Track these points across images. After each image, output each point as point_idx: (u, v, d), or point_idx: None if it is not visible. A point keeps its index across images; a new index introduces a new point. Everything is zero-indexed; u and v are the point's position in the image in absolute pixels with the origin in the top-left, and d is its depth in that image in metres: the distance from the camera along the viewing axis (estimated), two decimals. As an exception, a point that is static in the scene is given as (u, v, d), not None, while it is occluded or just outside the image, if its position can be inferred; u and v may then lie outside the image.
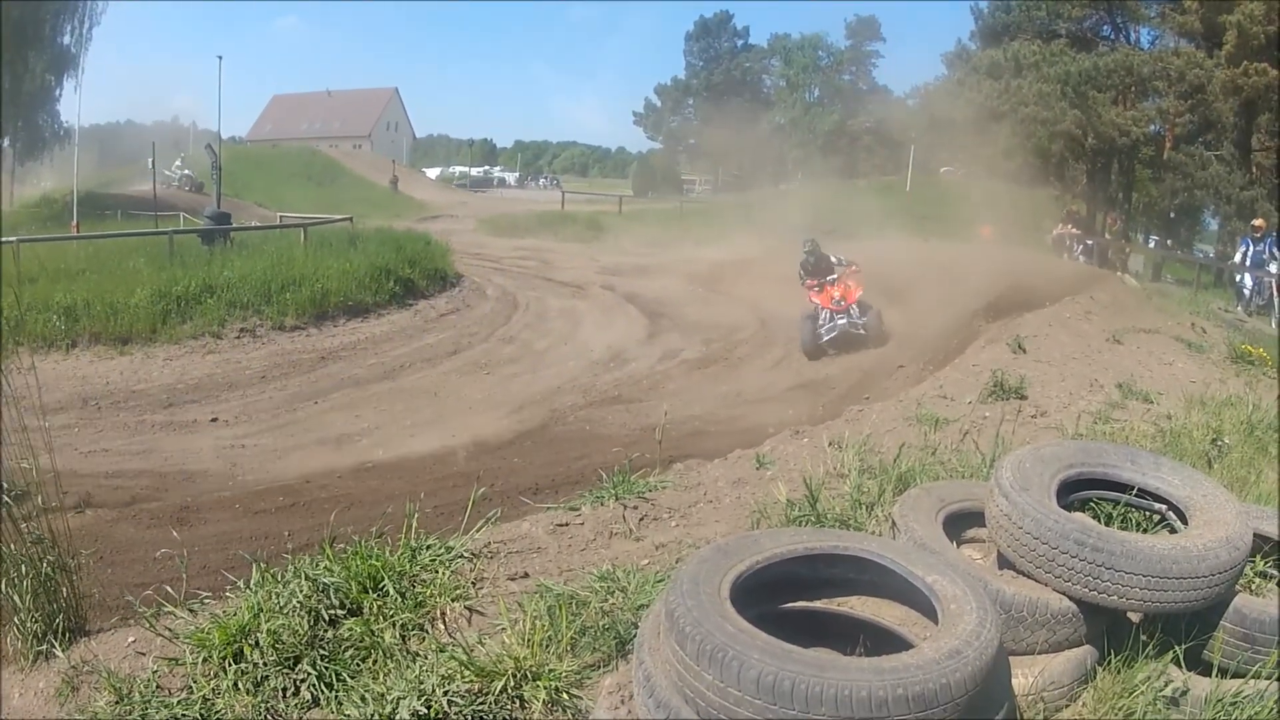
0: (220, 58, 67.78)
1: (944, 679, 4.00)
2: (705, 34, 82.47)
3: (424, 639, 5.81)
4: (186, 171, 49.74)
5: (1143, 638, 5.52)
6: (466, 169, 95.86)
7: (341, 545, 6.60)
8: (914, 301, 26.76)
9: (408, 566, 6.37)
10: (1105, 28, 52.94)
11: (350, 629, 5.79)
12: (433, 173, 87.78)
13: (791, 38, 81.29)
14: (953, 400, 13.64)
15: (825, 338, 24.44)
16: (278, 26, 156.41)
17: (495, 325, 27.36)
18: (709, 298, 31.78)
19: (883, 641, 4.91)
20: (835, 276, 25.52)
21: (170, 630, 6.12)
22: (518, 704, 5.20)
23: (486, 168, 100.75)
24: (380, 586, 6.10)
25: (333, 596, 5.99)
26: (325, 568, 6.23)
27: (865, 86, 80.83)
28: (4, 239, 26.81)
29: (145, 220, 41.82)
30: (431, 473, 14.74)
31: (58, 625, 6.62)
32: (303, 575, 6.15)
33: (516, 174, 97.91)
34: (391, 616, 5.90)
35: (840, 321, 24.48)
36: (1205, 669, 5.65)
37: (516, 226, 50.04)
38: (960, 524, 6.47)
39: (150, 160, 46.21)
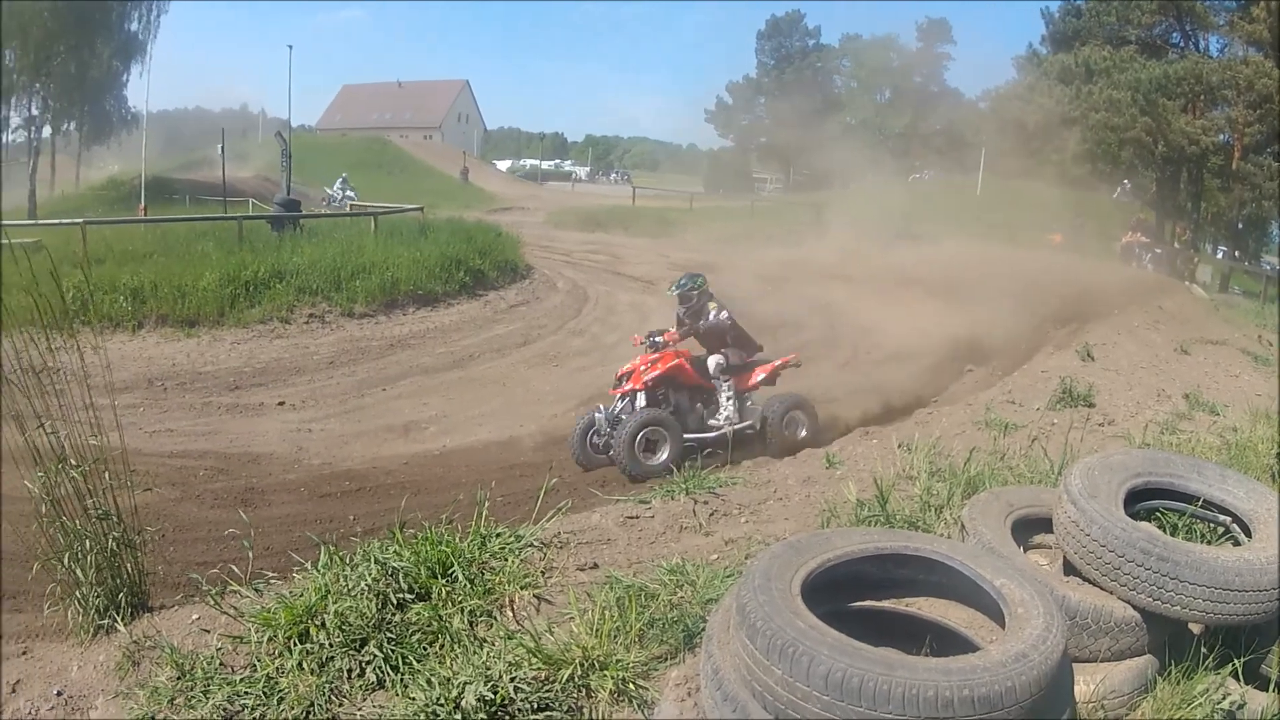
0: (290, 47, 68.49)
1: (1010, 682, 4.00)
2: (777, 33, 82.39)
3: (492, 625, 5.79)
4: (349, 193, 47.87)
5: (1203, 649, 5.47)
6: (537, 162, 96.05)
7: (411, 531, 6.57)
8: (981, 306, 26.53)
9: (477, 554, 6.38)
10: (1174, 35, 52.48)
11: (418, 613, 5.78)
12: (503, 165, 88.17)
13: (863, 38, 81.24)
14: (1021, 406, 13.59)
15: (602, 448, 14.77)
16: (342, 18, 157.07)
17: (565, 318, 27.27)
18: (777, 296, 31.55)
19: (948, 643, 4.90)
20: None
21: (235, 609, 6.12)
22: (584, 693, 5.17)
23: (557, 161, 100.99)
24: (450, 572, 6.09)
25: (402, 581, 5.99)
26: (395, 552, 6.23)
27: (936, 89, 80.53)
28: (72, 220, 27.02)
29: (213, 205, 42.20)
30: (498, 462, 14.72)
31: (120, 601, 6.67)
32: (372, 559, 6.16)
33: (587, 168, 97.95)
34: (460, 602, 5.89)
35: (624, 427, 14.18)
36: (1263, 683, 5.61)
37: (587, 220, 49.99)
38: (1028, 529, 6.41)
39: (220, 147, 46.54)
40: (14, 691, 6.28)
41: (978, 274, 29.59)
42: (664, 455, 13.82)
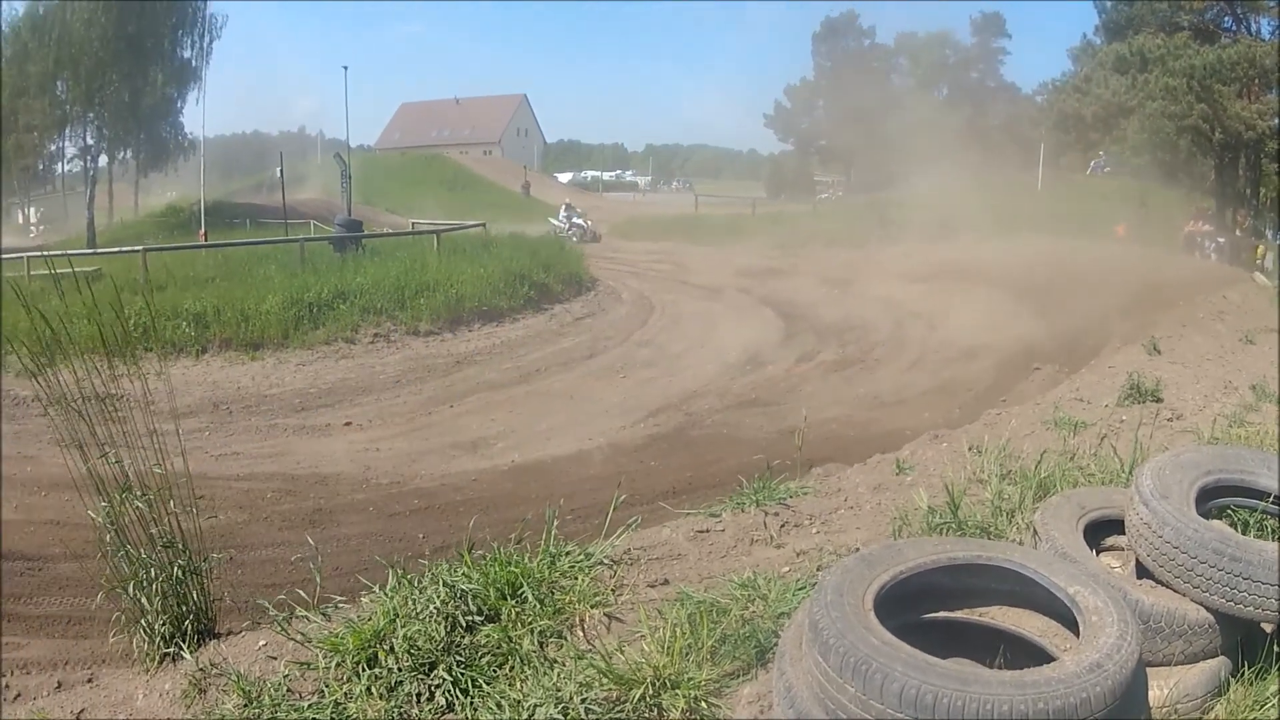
0: (346, 68, 69.03)
1: (1084, 693, 3.92)
2: (832, 34, 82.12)
3: (562, 646, 5.69)
4: (579, 220, 47.45)
5: (1276, 649, 5.33)
6: (598, 174, 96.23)
7: (480, 551, 6.52)
8: (1047, 302, 26.41)
9: (547, 573, 6.28)
10: (1226, 19, 51.84)
11: (488, 635, 5.69)
12: (564, 177, 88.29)
13: (918, 36, 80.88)
14: (1089, 403, 13.46)
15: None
16: (402, 33, 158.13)
17: (631, 329, 27.36)
18: (844, 300, 31.58)
19: (1023, 652, 4.81)
20: None
21: (303, 634, 6.06)
22: (656, 712, 5.06)
23: (619, 171, 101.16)
24: (519, 593, 5.99)
25: (470, 603, 5.90)
26: (464, 574, 6.16)
27: (993, 84, 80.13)
28: (133, 248, 27.31)
29: (275, 228, 42.41)
30: (568, 476, 14.71)
31: (186, 628, 6.68)
32: (440, 581, 6.07)
33: (649, 177, 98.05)
34: (530, 623, 5.79)
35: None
36: None
37: (650, 230, 50.18)
38: (1100, 531, 6.28)
39: (279, 170, 46.90)
40: None
41: (1048, 271, 29.46)
42: None
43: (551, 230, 45.03)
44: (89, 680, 7.55)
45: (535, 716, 4.93)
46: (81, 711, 6.35)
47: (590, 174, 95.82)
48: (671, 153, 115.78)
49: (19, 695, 7.53)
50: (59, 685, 7.84)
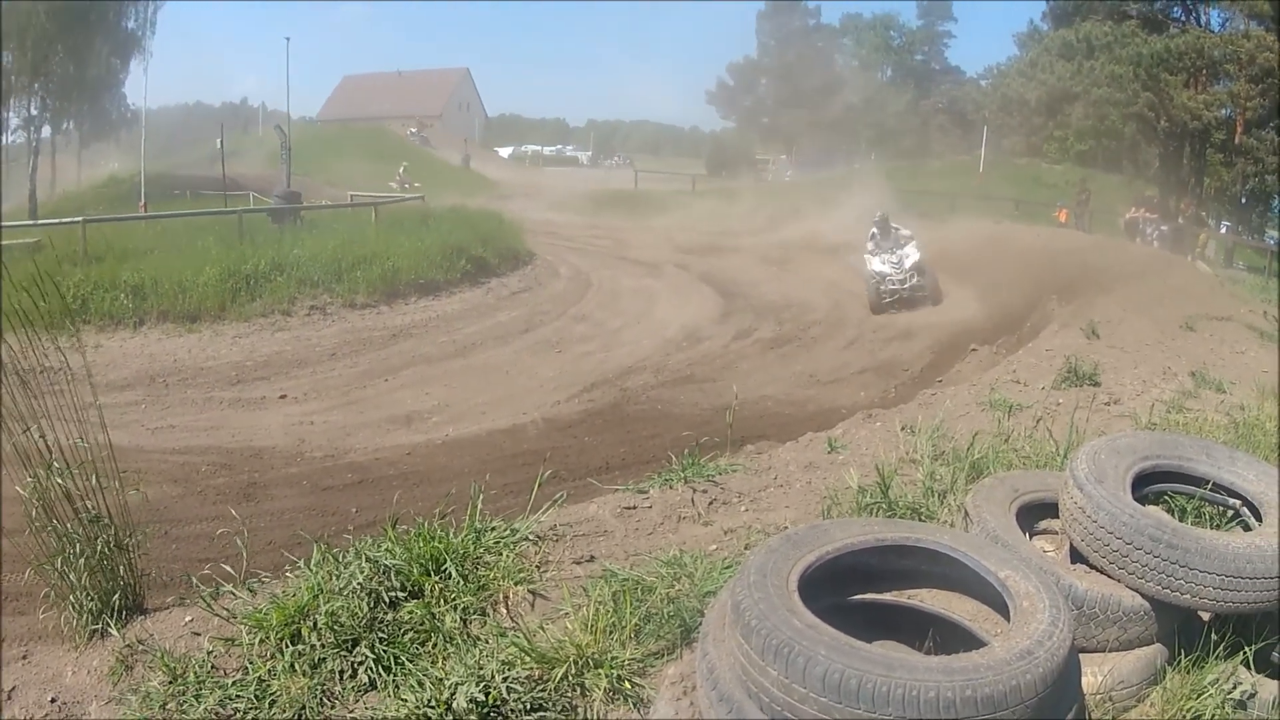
0: (288, 39, 67.70)
1: (1014, 680, 3.91)
2: (777, 13, 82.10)
3: (485, 623, 5.73)
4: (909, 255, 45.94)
5: (1213, 637, 5.37)
6: (539, 148, 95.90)
7: (405, 526, 6.51)
8: (986, 284, 26.68)
9: (471, 549, 6.28)
10: (1176, 9, 52.35)
11: (411, 612, 5.72)
12: (505, 151, 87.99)
13: (864, 17, 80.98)
14: (1026, 386, 13.51)
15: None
16: (344, 12, 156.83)
17: (568, 303, 27.36)
18: (782, 277, 31.71)
19: (953, 636, 4.84)
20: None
21: (228, 610, 6.08)
22: (578, 692, 5.10)
23: (559, 146, 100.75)
24: (443, 569, 6.00)
25: (394, 579, 5.93)
26: (387, 549, 6.17)
27: (938, 66, 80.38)
28: (73, 219, 27.13)
29: (214, 200, 42.07)
30: (502, 450, 14.74)
31: (114, 604, 6.62)
32: (364, 556, 6.09)
33: (589, 153, 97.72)
34: (453, 600, 5.82)
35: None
36: (1274, 671, 5.49)
37: (590, 205, 50.02)
38: (1034, 514, 6.31)
39: (219, 141, 46.58)
40: (9, 698, 6.22)
41: (988, 253, 29.78)
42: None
43: (869, 278, 28.79)
44: (23, 657, 7.50)
45: (456, 696, 4.91)
46: (13, 689, 6.27)
47: (531, 148, 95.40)
48: (613, 128, 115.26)
49: None
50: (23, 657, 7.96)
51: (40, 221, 34.03)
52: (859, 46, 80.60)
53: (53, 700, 6.03)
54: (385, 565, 5.96)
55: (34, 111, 51.26)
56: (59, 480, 6.65)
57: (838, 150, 64.72)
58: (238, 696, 5.40)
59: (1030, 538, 6.01)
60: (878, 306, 27.02)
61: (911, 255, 27.71)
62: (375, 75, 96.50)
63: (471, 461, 13.87)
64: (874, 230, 28.76)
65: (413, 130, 71.79)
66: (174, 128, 69.37)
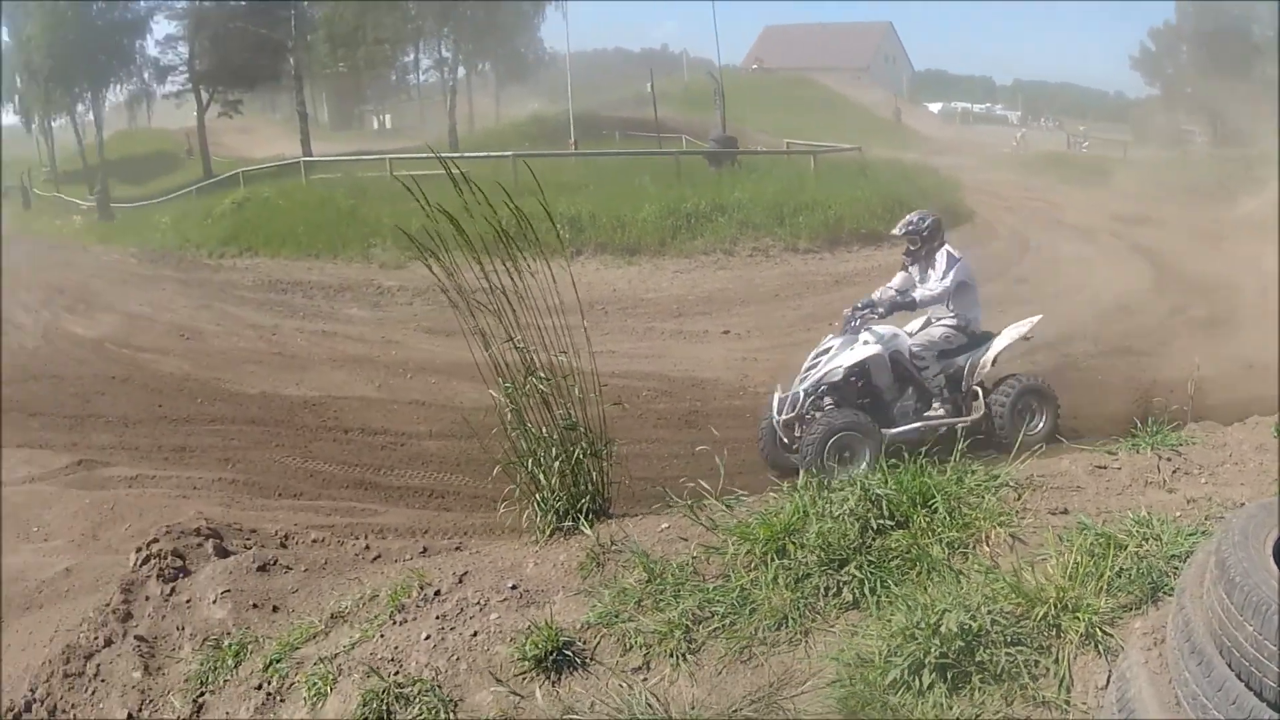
0: (712, -12, 68.75)
1: None
2: (1189, -26, 78.54)
3: (967, 559, 5.83)
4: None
5: None
6: (968, 105, 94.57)
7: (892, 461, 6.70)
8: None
9: (954, 488, 6.40)
10: None
11: (897, 540, 5.90)
12: (934, 107, 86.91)
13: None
14: None
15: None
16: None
17: (1008, 264, 26.82)
18: (1216, 256, 30.36)
19: None
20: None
21: (711, 520, 6.37)
22: (1054, 632, 5.17)
23: (988, 105, 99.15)
24: (930, 503, 6.15)
25: (884, 508, 6.08)
26: (879, 479, 6.32)
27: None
28: (501, 153, 28.06)
29: (645, 142, 42.84)
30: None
31: (582, 506, 7.06)
32: (858, 483, 6.30)
33: (1019, 113, 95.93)
34: (938, 534, 5.95)
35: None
36: None
37: (1021, 166, 49.03)
38: None
39: (649, 85, 47.41)
40: (460, 582, 6.64)
41: None
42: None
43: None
44: (456, 548, 7.89)
45: (944, 620, 5.03)
46: (464, 574, 6.71)
47: (960, 105, 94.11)
48: (1038, 89, 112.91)
49: (378, 556, 8.09)
50: (424, 550, 8.35)
51: (468, 154, 35.41)
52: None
53: (513, 587, 6.39)
54: (877, 494, 6.11)
55: (445, 53, 53.25)
56: (539, 387, 7.12)
57: (1263, 125, 61.69)
58: (718, 600, 5.66)
59: None
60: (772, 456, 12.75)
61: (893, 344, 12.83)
62: (796, 26, 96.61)
63: (913, 412, 13.71)
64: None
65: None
66: (594, 71, 71.13)
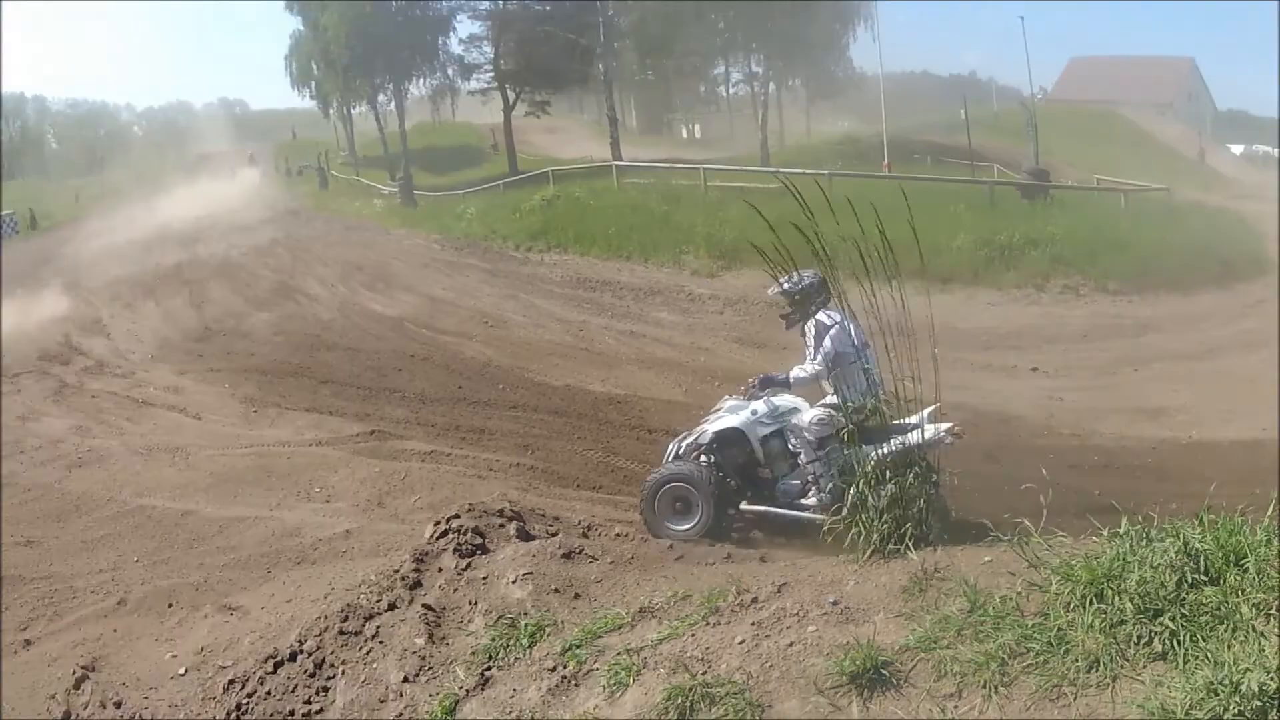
0: (1022, 18, 67.70)
1: None
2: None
3: (1269, 620, 5.68)
4: None
5: None
6: (1271, 149, 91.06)
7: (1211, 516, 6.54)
8: None
9: (1265, 550, 6.21)
10: None
11: (1210, 595, 5.82)
12: (1236, 149, 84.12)
13: None
14: None
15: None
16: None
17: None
18: None
19: None
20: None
21: (1037, 557, 6.40)
22: None
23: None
24: (1242, 562, 6.04)
25: (1201, 562, 6.01)
26: (1199, 534, 6.25)
27: None
28: (816, 170, 28.19)
29: (957, 168, 42.45)
30: (1246, 463, 13.92)
31: (906, 531, 7.25)
32: (1178, 535, 6.21)
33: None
34: (1247, 594, 5.83)
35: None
36: None
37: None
38: None
39: (962, 111, 46.91)
40: (779, 592, 6.90)
41: None
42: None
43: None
44: (761, 559, 8.77)
45: (1246, 679, 5.03)
46: (783, 585, 6.98)
47: (1263, 149, 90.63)
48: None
49: (681, 557, 8.91)
50: (728, 557, 9.15)
51: (781, 169, 35.63)
52: None
53: (834, 603, 6.59)
54: (1195, 548, 6.06)
55: (756, 68, 53.55)
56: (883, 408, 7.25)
57: None
58: (1035, 637, 5.73)
59: None
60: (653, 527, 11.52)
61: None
62: (1101, 59, 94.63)
63: (1216, 468, 12.82)
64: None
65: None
66: (902, 93, 70.58)
